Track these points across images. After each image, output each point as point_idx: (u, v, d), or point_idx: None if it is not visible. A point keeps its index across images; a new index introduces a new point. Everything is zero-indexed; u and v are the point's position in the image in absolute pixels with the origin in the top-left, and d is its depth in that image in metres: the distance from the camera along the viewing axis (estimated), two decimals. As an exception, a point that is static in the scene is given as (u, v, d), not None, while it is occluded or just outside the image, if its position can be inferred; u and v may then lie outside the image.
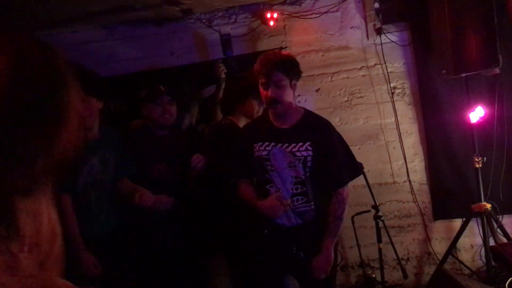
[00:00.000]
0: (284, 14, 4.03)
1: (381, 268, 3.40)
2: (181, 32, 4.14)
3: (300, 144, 2.57)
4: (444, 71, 3.51)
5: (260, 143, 2.63)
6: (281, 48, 4.02)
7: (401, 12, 3.93)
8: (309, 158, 2.56)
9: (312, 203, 2.62)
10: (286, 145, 2.58)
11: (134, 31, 4.17)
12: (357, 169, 2.81)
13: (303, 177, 2.58)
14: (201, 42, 4.13)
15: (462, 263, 3.85)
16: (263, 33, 4.05)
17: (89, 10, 3.72)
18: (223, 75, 3.57)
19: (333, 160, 2.64)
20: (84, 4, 3.57)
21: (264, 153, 2.61)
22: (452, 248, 3.69)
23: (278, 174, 2.59)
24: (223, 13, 4.07)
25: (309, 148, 2.57)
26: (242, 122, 3.13)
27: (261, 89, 2.60)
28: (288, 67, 2.58)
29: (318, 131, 2.63)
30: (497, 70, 3.41)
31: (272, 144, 2.60)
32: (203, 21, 4.09)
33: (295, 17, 4.04)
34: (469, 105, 3.57)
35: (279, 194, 2.58)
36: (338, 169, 2.66)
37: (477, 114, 3.54)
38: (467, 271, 3.87)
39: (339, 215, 2.64)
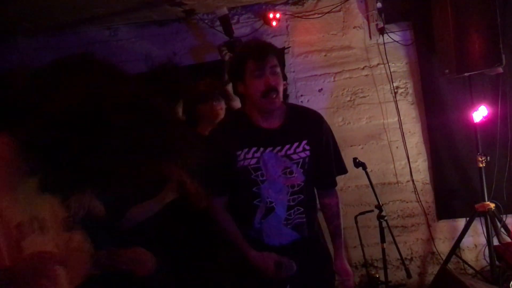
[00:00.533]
0: (286, 14, 4.03)
1: (385, 268, 3.39)
2: (184, 33, 4.16)
3: (296, 144, 2.16)
4: (447, 71, 3.51)
5: (245, 150, 2.13)
6: (284, 48, 4.02)
7: (404, 12, 3.92)
8: (307, 160, 2.17)
9: (310, 212, 2.28)
10: (278, 148, 2.14)
11: (137, 31, 4.18)
12: (344, 165, 2.35)
13: (302, 184, 2.18)
14: (204, 43, 4.14)
15: (466, 263, 3.85)
16: (265, 33, 4.06)
17: (94, 12, 3.74)
18: (227, 57, 3.55)
19: (330, 156, 2.27)
20: (89, 6, 3.58)
21: (253, 161, 2.12)
22: (456, 247, 3.68)
23: (270, 185, 2.14)
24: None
25: (307, 147, 2.17)
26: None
27: (250, 80, 2.10)
28: (280, 56, 2.20)
29: (312, 126, 2.23)
30: (500, 69, 3.41)
31: (261, 149, 2.13)
32: (206, 21, 4.10)
33: (298, 17, 4.04)
34: (472, 105, 3.56)
35: (279, 261, 2.11)
36: (333, 166, 2.31)
37: (480, 113, 3.54)
38: (471, 271, 3.86)
39: (340, 215, 2.36)
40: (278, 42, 4.03)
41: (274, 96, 2.08)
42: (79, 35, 4.16)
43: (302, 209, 2.20)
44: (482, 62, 3.32)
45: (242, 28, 4.07)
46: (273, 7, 4.03)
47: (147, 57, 3.90)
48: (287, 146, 2.15)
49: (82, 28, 4.12)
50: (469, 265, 3.84)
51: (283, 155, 2.15)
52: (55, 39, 4.17)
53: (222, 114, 2.85)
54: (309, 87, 4.07)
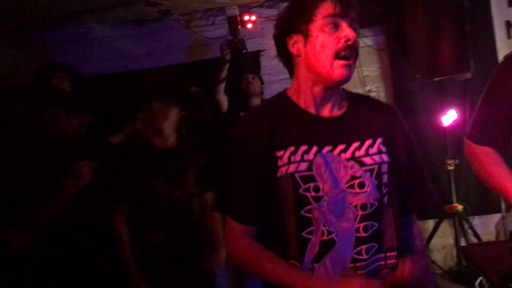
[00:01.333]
0: (262, 17, 4.06)
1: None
2: (160, 33, 4.13)
3: (368, 142, 1.37)
4: (418, 75, 3.59)
5: (291, 149, 1.32)
6: (260, 51, 4.05)
7: (377, 17, 3.99)
8: (384, 168, 1.36)
9: (393, 252, 1.37)
10: (341, 147, 1.34)
11: (112, 31, 4.14)
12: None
13: (377, 204, 1.34)
14: (180, 44, 4.13)
15: (435, 263, 3.94)
16: (241, 36, 4.06)
17: (68, 10, 3.69)
18: (228, 57, 3.58)
19: (415, 163, 1.47)
20: (63, 4, 3.54)
21: (303, 166, 1.31)
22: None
23: (329, 205, 1.31)
24: (202, 14, 4.08)
25: (383, 148, 1.37)
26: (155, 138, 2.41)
27: (320, 31, 1.32)
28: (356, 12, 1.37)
29: (386, 118, 1.43)
30: (468, 75, 3.51)
31: (315, 148, 1.32)
32: (181, 22, 4.09)
33: (273, 20, 4.05)
34: (442, 109, 3.65)
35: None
36: (421, 178, 1.48)
37: (449, 117, 3.63)
38: (439, 271, 3.96)
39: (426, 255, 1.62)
40: (253, 45, 4.06)
41: (351, 58, 1.32)
42: (54, 34, 4.09)
43: (378, 246, 1.35)
44: (451, 68, 3.42)
45: (217, 30, 4.07)
46: (249, 10, 4.05)
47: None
48: (356, 145, 1.35)
49: (57, 26, 4.06)
50: (437, 266, 3.93)
51: (350, 157, 1.34)
52: (29, 38, 4.09)
53: (165, 123, 2.36)
54: (283, 89, 4.10)
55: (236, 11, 3.77)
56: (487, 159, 1.75)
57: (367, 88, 4.07)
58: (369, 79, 4.07)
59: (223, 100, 3.56)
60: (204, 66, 3.94)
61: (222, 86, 3.55)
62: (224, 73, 3.55)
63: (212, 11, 4.08)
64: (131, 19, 4.07)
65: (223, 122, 3.59)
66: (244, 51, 3.70)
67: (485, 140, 1.75)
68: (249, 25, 4.00)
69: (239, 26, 3.80)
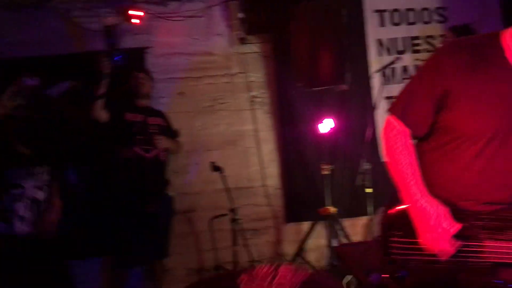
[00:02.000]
0: (149, 14, 3.95)
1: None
2: (37, 21, 3.82)
3: None
4: (299, 84, 3.78)
5: None
6: (145, 48, 3.93)
7: (265, 24, 4.11)
8: None
9: None
10: None
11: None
12: None
13: None
14: (59, 34, 3.84)
15: (308, 263, 4.14)
16: (126, 31, 3.91)
17: None
18: (107, 70, 3.36)
19: None
20: None
21: None
22: (300, 249, 3.95)
23: None
24: (83, 4, 3.85)
25: None
26: None
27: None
28: None
29: None
30: (344, 87, 3.77)
31: None
32: (61, 11, 3.83)
33: (160, 17, 3.98)
34: (321, 117, 3.88)
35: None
36: None
37: (326, 125, 3.86)
38: (312, 271, 4.17)
39: None
40: (139, 41, 3.94)
41: None
42: None
43: None
44: (329, 80, 3.66)
45: (101, 22, 3.87)
46: (134, 4, 3.91)
47: None
48: None
49: None
50: (311, 265, 4.14)
51: None
52: None
53: None
54: (170, 89, 4.03)
55: (114, 21, 3.58)
56: (401, 148, 1.68)
57: (252, 93, 4.16)
58: (255, 85, 4.17)
59: (102, 116, 3.37)
60: (84, 59, 3.71)
61: (100, 102, 3.34)
62: (103, 89, 3.35)
63: (95, 1, 3.87)
64: (5, 2, 3.71)
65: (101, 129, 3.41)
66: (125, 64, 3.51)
67: (406, 117, 1.68)
68: (136, 21, 3.87)
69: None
